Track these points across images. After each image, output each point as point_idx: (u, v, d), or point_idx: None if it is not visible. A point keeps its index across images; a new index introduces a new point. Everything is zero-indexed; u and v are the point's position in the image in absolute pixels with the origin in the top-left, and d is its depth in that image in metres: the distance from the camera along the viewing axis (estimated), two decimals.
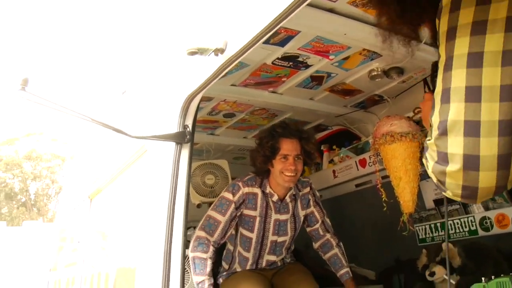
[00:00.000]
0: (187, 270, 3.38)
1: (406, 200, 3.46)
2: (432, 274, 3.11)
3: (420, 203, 3.79)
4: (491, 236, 3.39)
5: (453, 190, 1.18)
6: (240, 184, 3.31)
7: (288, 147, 3.23)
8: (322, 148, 4.61)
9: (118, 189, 3.82)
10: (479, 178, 1.11)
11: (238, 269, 3.43)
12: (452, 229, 3.65)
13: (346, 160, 4.32)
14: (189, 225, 4.77)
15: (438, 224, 3.78)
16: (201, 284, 3.04)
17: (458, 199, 1.20)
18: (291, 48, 2.93)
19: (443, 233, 3.72)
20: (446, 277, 3.03)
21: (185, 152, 1.99)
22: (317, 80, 3.46)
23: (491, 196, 1.16)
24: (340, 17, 2.59)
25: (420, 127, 3.54)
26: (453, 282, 2.97)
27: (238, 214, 3.30)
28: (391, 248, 3.96)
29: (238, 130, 4.35)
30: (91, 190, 4.62)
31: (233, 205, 3.25)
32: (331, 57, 3.08)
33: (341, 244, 3.56)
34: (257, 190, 3.32)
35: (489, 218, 3.42)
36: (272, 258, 3.43)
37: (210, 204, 3.93)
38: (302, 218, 3.50)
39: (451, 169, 1.14)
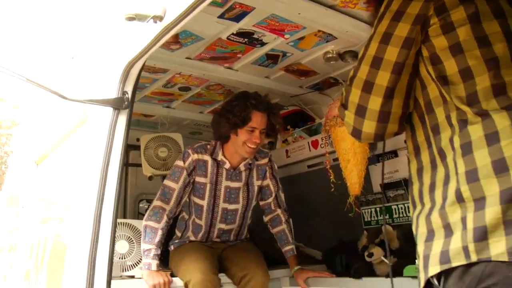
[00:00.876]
0: (131, 239, 3.40)
1: (353, 182, 3.52)
2: (371, 255, 3.18)
3: (368, 187, 3.86)
4: None
5: (348, 128, 1.50)
6: (189, 151, 3.36)
7: (258, 120, 3.27)
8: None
9: (62, 155, 3.78)
10: (363, 124, 1.44)
11: (192, 238, 3.46)
12: (395, 214, 3.73)
13: (300, 141, 4.36)
14: (141, 197, 4.81)
15: (383, 208, 3.85)
16: (147, 252, 3.09)
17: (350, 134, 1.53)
18: (246, 24, 2.92)
19: (387, 216, 3.80)
20: (384, 259, 3.11)
21: (123, 119, 1.98)
22: (272, 58, 3.46)
23: (372, 141, 1.54)
24: None
25: None
26: (390, 263, 3.04)
27: (191, 181, 3.34)
28: (338, 229, 4.03)
29: (194, 105, 4.33)
30: (37, 156, 4.55)
31: (185, 172, 3.30)
32: (286, 36, 3.09)
33: (290, 221, 3.62)
34: (207, 158, 3.36)
35: None
36: (223, 226, 3.46)
37: (162, 176, 3.95)
38: (256, 188, 3.53)
39: (349, 112, 1.46)
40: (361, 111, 1.42)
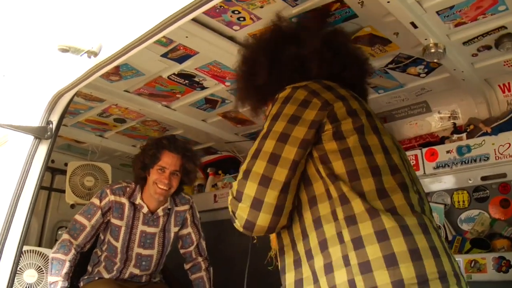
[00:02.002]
0: (41, 269, 3.26)
1: (275, 236, 3.51)
2: None
3: None
4: None
5: (239, 221, 1.50)
6: (108, 191, 3.28)
7: (168, 160, 3.22)
8: (208, 171, 4.63)
9: None
10: (258, 217, 1.45)
11: (102, 274, 3.33)
12: None
13: (229, 187, 4.34)
14: (61, 225, 4.62)
15: None
16: (53, 284, 2.98)
17: (241, 229, 1.52)
18: (188, 66, 2.93)
19: None
20: None
21: (43, 149, 1.90)
22: (211, 103, 3.47)
23: (263, 234, 1.53)
24: (238, 46, 2.61)
25: None
26: None
27: (105, 221, 3.26)
28: (255, 280, 3.99)
29: (128, 137, 4.26)
30: None
31: (99, 211, 3.22)
32: (227, 83, 3.11)
33: (210, 269, 3.57)
34: (125, 201, 3.29)
35: None
36: (136, 271, 3.36)
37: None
38: (172, 235, 3.46)
39: (243, 205, 1.47)
40: (256, 204, 1.45)
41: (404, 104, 3.47)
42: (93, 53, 1.67)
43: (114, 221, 3.26)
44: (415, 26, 2.37)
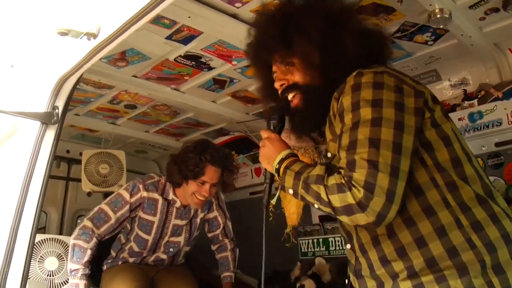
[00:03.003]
0: (61, 256, 3.31)
1: (291, 212, 3.54)
2: (302, 286, 3.19)
3: (307, 218, 3.88)
4: None
5: (371, 215, 1.38)
6: (140, 186, 3.23)
7: (211, 175, 3.15)
8: None
9: None
10: (391, 210, 1.39)
11: (126, 258, 3.36)
12: (332, 246, 3.76)
13: (243, 167, 4.37)
14: (80, 213, 4.69)
15: (321, 240, 3.88)
16: (74, 272, 2.98)
17: (365, 222, 1.41)
18: (194, 47, 2.93)
19: (324, 248, 3.82)
20: None
21: (50, 134, 1.92)
22: (219, 83, 3.47)
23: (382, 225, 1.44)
24: (242, 23, 2.62)
25: (315, 144, 3.63)
26: None
27: (131, 216, 3.24)
28: (274, 258, 4.01)
29: (140, 123, 4.28)
30: None
31: (127, 206, 3.18)
32: (233, 62, 3.11)
33: (236, 250, 3.59)
34: (158, 197, 3.25)
35: None
36: (163, 256, 3.40)
37: (103, 194, 3.86)
38: (198, 221, 3.46)
39: (378, 198, 1.37)
40: (391, 197, 1.39)
41: (414, 73, 3.43)
42: (92, 35, 1.67)
43: (146, 216, 3.24)
44: None
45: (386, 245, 1.52)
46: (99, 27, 1.67)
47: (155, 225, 3.26)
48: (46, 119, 1.91)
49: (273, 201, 1.89)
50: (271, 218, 3.68)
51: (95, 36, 1.68)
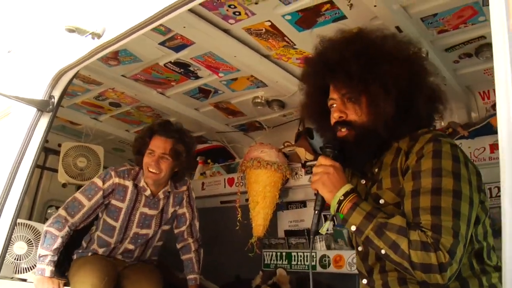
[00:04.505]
0: (30, 242, 3.37)
1: (258, 224, 3.67)
2: None
3: (273, 231, 4.01)
4: (326, 273, 3.64)
5: (447, 276, 1.51)
6: (112, 173, 3.33)
7: (156, 143, 3.29)
8: (198, 159, 4.76)
9: None
10: (455, 274, 1.55)
11: (96, 250, 3.42)
12: (294, 261, 3.89)
13: (217, 176, 4.49)
14: (51, 203, 4.73)
15: (284, 253, 4.01)
16: (43, 257, 3.03)
17: (441, 281, 1.52)
18: (184, 56, 3.07)
19: (286, 262, 3.95)
20: None
21: (44, 121, 2.02)
22: (204, 92, 3.61)
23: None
24: (233, 39, 2.78)
25: (288, 161, 3.77)
26: None
27: (105, 202, 3.32)
28: (238, 267, 4.13)
29: (122, 122, 4.39)
30: None
31: (101, 193, 3.27)
32: (220, 74, 3.25)
33: (200, 251, 3.63)
34: (129, 183, 3.34)
35: (328, 257, 3.68)
36: (130, 247, 3.45)
37: (76, 186, 3.92)
38: (170, 215, 3.53)
39: (454, 263, 1.52)
40: (459, 262, 1.54)
41: None
42: (97, 35, 1.80)
43: (115, 202, 3.33)
44: (400, 31, 2.49)
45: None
46: (104, 29, 1.80)
47: (122, 212, 3.34)
48: (42, 106, 2.02)
49: (323, 231, 1.87)
50: (237, 227, 3.81)
51: (99, 36, 1.80)
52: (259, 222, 3.63)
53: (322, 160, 1.85)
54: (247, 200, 3.90)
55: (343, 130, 1.85)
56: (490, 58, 2.77)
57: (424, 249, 1.52)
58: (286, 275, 3.35)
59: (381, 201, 1.78)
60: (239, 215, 3.72)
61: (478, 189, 1.68)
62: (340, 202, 1.74)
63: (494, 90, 3.02)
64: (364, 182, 1.93)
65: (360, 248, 1.94)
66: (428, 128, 1.83)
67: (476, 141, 3.18)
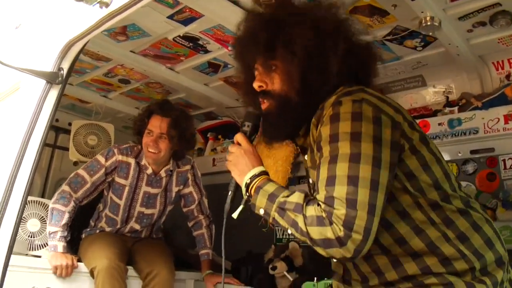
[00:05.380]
0: (43, 219, 3.39)
1: None
2: (274, 268, 3.31)
3: None
4: None
5: (347, 251, 1.40)
6: (115, 150, 3.37)
7: (154, 123, 3.31)
8: (208, 135, 4.75)
9: None
10: (366, 245, 1.42)
11: (104, 228, 3.47)
12: None
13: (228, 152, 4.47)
14: (62, 182, 4.72)
15: None
16: (53, 234, 3.08)
17: (342, 256, 1.41)
18: (193, 29, 3.04)
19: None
20: (286, 273, 3.25)
21: (53, 93, 2.01)
22: (213, 67, 3.58)
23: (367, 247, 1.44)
24: (242, 11, 2.70)
25: None
26: (291, 278, 3.18)
27: (108, 180, 3.36)
28: (250, 242, 4.14)
29: (131, 99, 4.37)
30: None
31: (103, 170, 3.31)
32: (230, 48, 3.19)
33: (212, 226, 3.66)
34: (131, 160, 3.38)
35: None
36: (136, 226, 3.49)
37: None
38: (174, 194, 3.56)
39: (357, 235, 1.40)
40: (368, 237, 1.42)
41: (401, 77, 3.57)
42: (104, 4, 1.77)
43: (119, 180, 3.37)
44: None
45: (380, 258, 1.61)
46: None
47: (126, 189, 3.38)
48: (51, 78, 2.00)
49: (235, 215, 1.81)
50: (250, 203, 3.79)
51: (107, 5, 1.77)
52: None
53: (238, 138, 1.81)
54: (245, 202, 3.87)
55: (265, 101, 1.78)
56: (505, 26, 2.74)
57: (319, 224, 1.42)
58: (298, 248, 3.36)
59: (310, 181, 1.75)
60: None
61: (393, 145, 1.54)
62: (247, 186, 1.69)
63: (508, 60, 3.01)
64: (306, 157, 1.82)
65: None
66: (348, 86, 1.67)
67: (490, 112, 3.15)
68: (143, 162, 3.39)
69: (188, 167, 3.61)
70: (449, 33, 2.85)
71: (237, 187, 1.79)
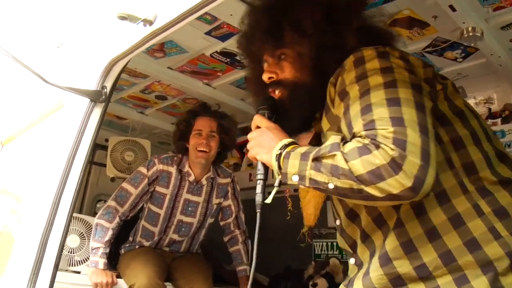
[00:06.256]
0: (83, 235, 3.42)
1: (309, 213, 3.60)
2: (315, 285, 3.27)
3: (323, 221, 3.95)
4: None
5: (406, 177, 1.12)
6: (156, 160, 3.41)
7: (202, 123, 3.40)
8: (244, 150, 4.74)
9: (30, 140, 3.78)
10: (428, 172, 1.14)
11: (142, 243, 3.49)
12: None
13: None
14: (100, 198, 4.79)
15: (335, 243, 3.95)
16: (95, 250, 3.11)
17: (403, 188, 1.12)
18: (230, 45, 3.04)
19: (337, 252, 3.90)
20: None
21: (97, 112, 2.04)
22: None
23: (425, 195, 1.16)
24: None
25: None
26: None
27: (150, 190, 3.39)
28: (288, 258, 4.11)
29: (168, 115, 4.40)
30: (4, 136, 4.50)
31: (146, 180, 3.34)
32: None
33: (248, 242, 3.66)
34: (172, 169, 3.41)
35: None
36: (175, 236, 3.50)
37: (124, 179, 3.97)
38: (214, 206, 3.57)
39: (412, 157, 1.14)
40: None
41: None
42: (148, 22, 1.78)
43: (160, 189, 3.40)
44: (453, 10, 2.42)
45: (391, 240, 1.30)
46: (156, 15, 1.78)
47: (167, 198, 3.41)
48: (95, 96, 2.03)
49: (269, 199, 1.51)
50: (288, 217, 3.76)
51: (151, 23, 1.78)
52: (310, 211, 3.55)
53: (257, 119, 1.59)
54: (295, 190, 3.85)
55: (277, 92, 1.64)
56: None
57: (362, 153, 1.16)
58: (339, 265, 3.31)
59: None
60: (289, 205, 3.66)
61: (426, 81, 1.37)
62: (278, 159, 1.39)
63: None
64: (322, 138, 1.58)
65: (337, 222, 1.61)
66: None
67: None
68: (186, 169, 3.43)
69: (228, 180, 3.65)
70: (491, 44, 2.79)
71: (267, 172, 1.53)
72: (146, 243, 3.47)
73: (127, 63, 2.12)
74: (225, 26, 2.81)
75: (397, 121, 1.17)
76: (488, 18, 2.60)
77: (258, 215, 1.54)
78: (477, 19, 2.56)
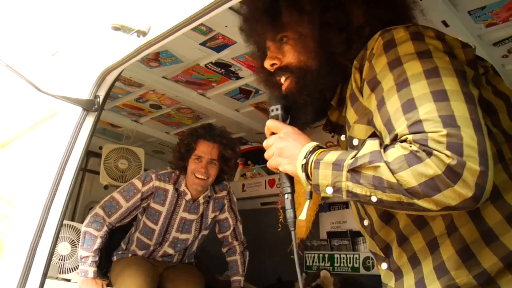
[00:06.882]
0: (74, 242, 3.41)
1: (301, 225, 3.63)
2: None
3: (315, 233, 3.96)
4: (370, 275, 3.58)
5: (467, 186, 0.98)
6: (153, 176, 3.34)
7: (203, 149, 3.28)
8: (238, 161, 4.74)
9: (21, 147, 3.76)
10: (488, 177, 1.00)
11: (136, 251, 3.46)
12: (337, 263, 3.83)
13: (257, 177, 4.47)
14: (92, 205, 4.76)
15: (326, 255, 3.96)
16: (84, 259, 3.08)
17: (462, 199, 1.00)
18: (225, 56, 3.05)
19: (329, 264, 3.90)
20: None
21: (90, 121, 2.04)
22: (245, 93, 3.59)
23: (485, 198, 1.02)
24: None
25: None
26: None
27: (142, 205, 3.33)
28: (279, 269, 4.10)
29: (162, 124, 4.40)
30: None
31: (139, 195, 3.28)
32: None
33: (246, 253, 3.66)
34: (169, 187, 3.35)
35: (372, 259, 3.61)
36: (170, 251, 3.48)
37: (117, 187, 3.97)
38: (210, 220, 3.54)
39: (470, 162, 0.99)
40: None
41: None
42: (142, 33, 1.79)
43: (155, 206, 3.34)
44: (446, 25, 2.42)
45: (447, 247, 1.16)
46: (150, 26, 1.79)
47: (162, 215, 3.35)
48: (87, 106, 2.03)
49: (303, 216, 1.41)
50: (279, 229, 3.77)
51: (145, 34, 1.79)
52: (301, 223, 3.58)
53: (271, 125, 1.45)
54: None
55: (283, 79, 1.50)
56: None
57: (412, 162, 1.02)
58: (330, 277, 3.30)
59: (354, 142, 1.32)
60: (281, 217, 3.68)
61: (469, 63, 1.22)
62: (305, 169, 1.26)
63: None
64: (343, 137, 1.46)
65: (366, 222, 1.45)
66: None
67: None
68: (182, 188, 3.36)
69: (224, 193, 3.61)
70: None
71: (292, 182, 1.41)
72: (140, 252, 3.45)
73: (120, 73, 2.13)
74: (220, 37, 2.82)
75: (449, 120, 1.02)
76: (481, 34, 2.62)
77: (293, 233, 1.41)
78: (469, 35, 2.58)
